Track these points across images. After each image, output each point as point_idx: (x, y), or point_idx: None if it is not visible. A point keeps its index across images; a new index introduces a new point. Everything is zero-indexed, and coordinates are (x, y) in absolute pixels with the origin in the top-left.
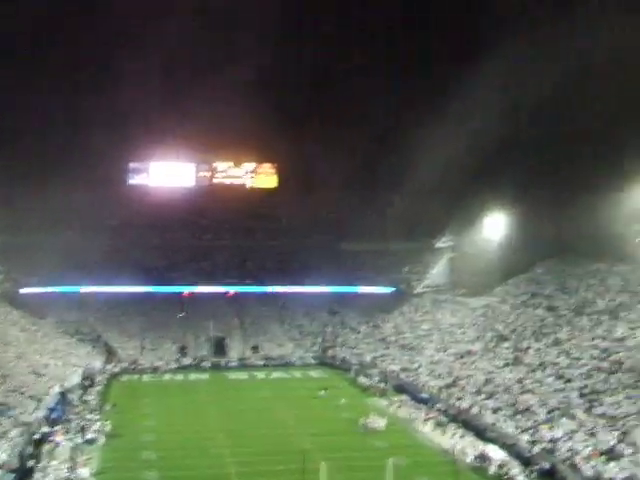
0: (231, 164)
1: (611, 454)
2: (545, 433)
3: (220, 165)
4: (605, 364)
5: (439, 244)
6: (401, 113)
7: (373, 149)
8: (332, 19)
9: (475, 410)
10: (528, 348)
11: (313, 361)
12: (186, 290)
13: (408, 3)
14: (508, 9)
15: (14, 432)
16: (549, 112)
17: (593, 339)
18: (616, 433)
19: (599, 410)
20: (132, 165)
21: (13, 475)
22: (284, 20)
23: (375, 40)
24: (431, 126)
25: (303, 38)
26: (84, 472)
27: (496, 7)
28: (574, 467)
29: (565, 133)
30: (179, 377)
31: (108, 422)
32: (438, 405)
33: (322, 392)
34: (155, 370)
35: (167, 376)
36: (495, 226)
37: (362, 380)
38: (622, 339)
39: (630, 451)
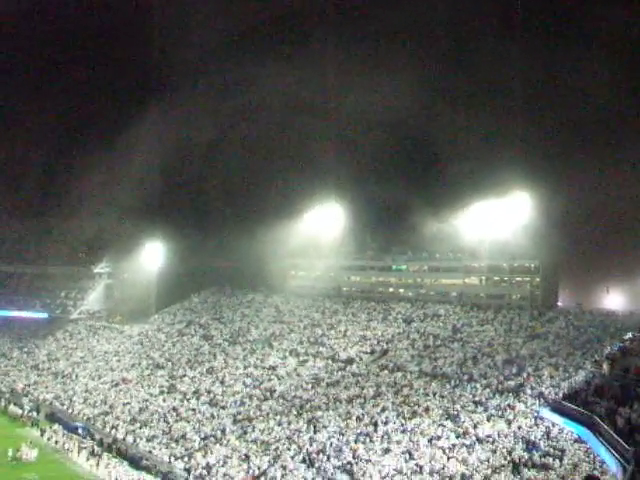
0: None
1: (263, 477)
2: (200, 460)
3: None
4: (257, 392)
5: (97, 270)
6: (67, 145)
7: (35, 173)
8: None
9: (130, 438)
10: (183, 376)
11: None
12: None
13: None
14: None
15: None
16: (207, 156)
17: (246, 367)
18: (267, 457)
19: (252, 436)
20: None
21: None
22: None
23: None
24: (98, 157)
25: None
26: None
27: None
28: None
29: (228, 172)
30: None
31: None
32: (92, 434)
33: None
34: None
35: None
36: (153, 255)
37: (13, 409)
38: (274, 367)
39: (280, 474)
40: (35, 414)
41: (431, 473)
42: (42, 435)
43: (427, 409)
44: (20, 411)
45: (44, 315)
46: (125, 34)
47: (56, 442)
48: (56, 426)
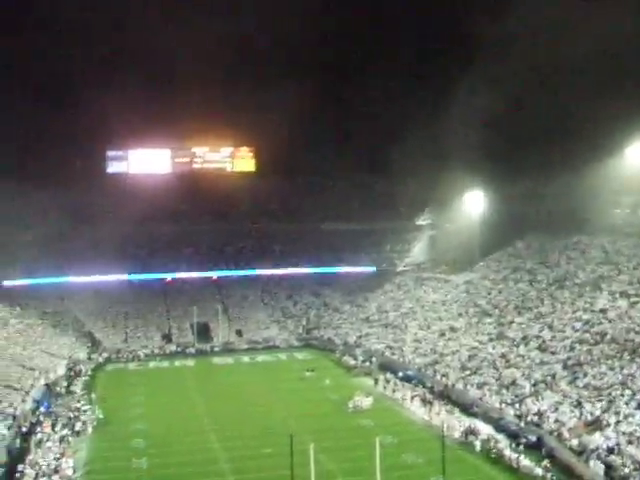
0: (206, 149)
1: (596, 424)
2: (531, 406)
3: (198, 150)
4: (588, 336)
5: (419, 222)
6: (381, 102)
7: (350, 132)
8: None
9: (460, 386)
10: (511, 322)
11: (297, 343)
12: (168, 277)
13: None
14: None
15: (1, 426)
16: (524, 102)
17: (575, 312)
18: (600, 404)
19: (583, 381)
20: (110, 153)
21: (2, 470)
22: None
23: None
24: (410, 111)
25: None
26: (71, 463)
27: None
28: (560, 439)
29: (539, 115)
30: (164, 364)
31: (97, 412)
32: (423, 382)
33: (308, 373)
34: (140, 358)
35: (152, 364)
36: (475, 203)
37: (347, 360)
38: (604, 310)
39: (614, 420)
40: (368, 364)
41: None
42: (375, 384)
43: None
44: (354, 362)
45: (372, 269)
46: None
47: (389, 390)
48: (388, 375)
